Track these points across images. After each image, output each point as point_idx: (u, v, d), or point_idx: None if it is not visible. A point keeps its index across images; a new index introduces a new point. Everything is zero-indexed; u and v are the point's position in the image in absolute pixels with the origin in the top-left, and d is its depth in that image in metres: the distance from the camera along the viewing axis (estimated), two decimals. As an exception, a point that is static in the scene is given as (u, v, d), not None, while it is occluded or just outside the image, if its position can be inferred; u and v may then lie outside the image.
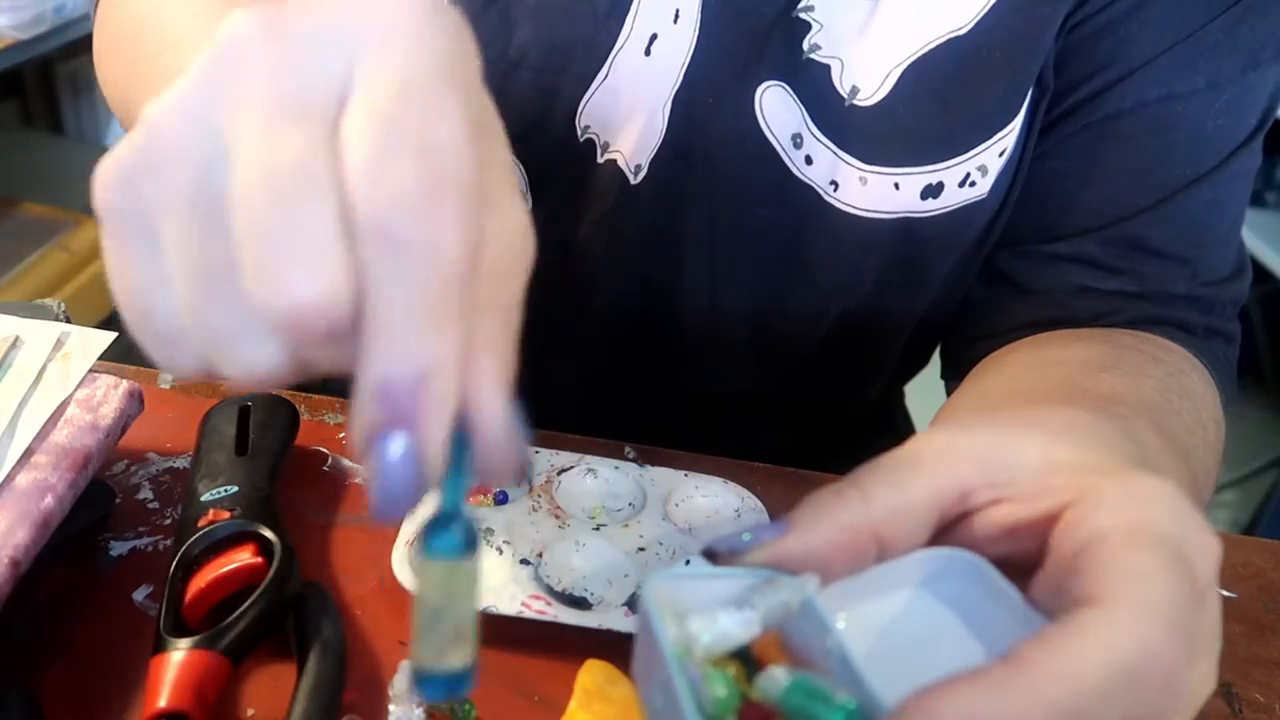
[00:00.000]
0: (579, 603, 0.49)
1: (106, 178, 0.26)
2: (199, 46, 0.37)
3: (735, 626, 0.28)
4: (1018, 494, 0.29)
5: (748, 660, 0.28)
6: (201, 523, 0.48)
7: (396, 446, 0.24)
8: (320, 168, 0.24)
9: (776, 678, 0.26)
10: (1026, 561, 0.29)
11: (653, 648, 0.27)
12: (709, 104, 0.57)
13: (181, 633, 0.43)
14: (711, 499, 0.56)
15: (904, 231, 0.59)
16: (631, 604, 0.48)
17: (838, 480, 0.31)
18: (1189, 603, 0.26)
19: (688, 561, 0.51)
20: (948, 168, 0.57)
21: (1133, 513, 0.27)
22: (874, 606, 0.30)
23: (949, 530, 0.30)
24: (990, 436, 0.31)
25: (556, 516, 0.53)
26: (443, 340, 0.24)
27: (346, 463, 0.58)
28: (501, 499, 0.53)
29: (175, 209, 0.25)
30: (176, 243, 0.25)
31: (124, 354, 0.59)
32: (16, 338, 0.52)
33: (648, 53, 0.56)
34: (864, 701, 0.26)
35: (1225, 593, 0.58)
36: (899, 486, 0.30)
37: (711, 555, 0.31)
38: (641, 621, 0.28)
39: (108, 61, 0.50)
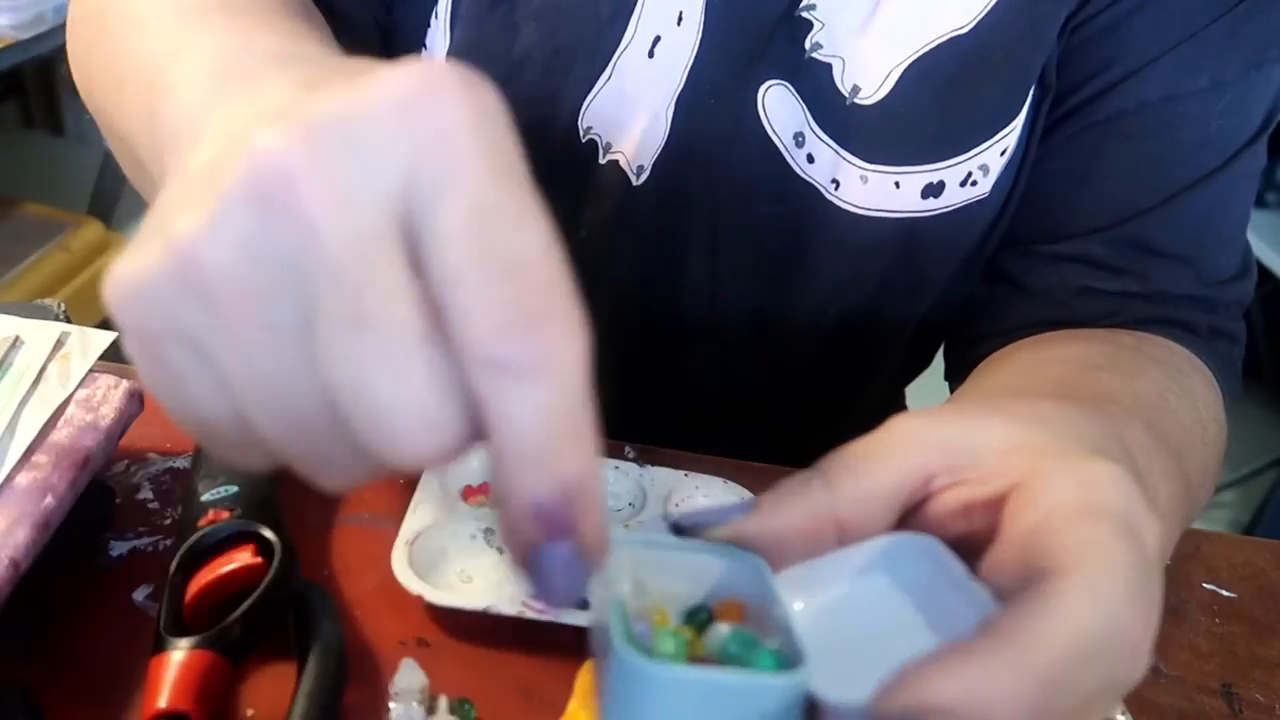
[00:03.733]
0: (579, 603, 0.49)
1: (129, 300, 0.24)
2: (163, 27, 0.36)
3: (684, 586, 0.29)
4: (975, 476, 0.30)
5: (709, 625, 0.29)
6: (201, 523, 0.48)
7: (558, 552, 0.24)
8: (411, 313, 0.22)
9: (720, 631, 0.28)
10: (981, 541, 0.30)
11: (601, 600, 0.28)
12: (711, 104, 0.57)
13: (181, 633, 0.43)
14: (711, 499, 0.56)
15: (905, 231, 0.59)
16: None
17: None
18: (1144, 573, 0.26)
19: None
20: (949, 167, 0.57)
21: (1080, 492, 0.28)
22: (831, 592, 0.31)
23: (911, 513, 0.31)
24: (956, 423, 0.31)
25: (557, 516, 0.53)
26: (581, 451, 0.24)
27: (347, 463, 0.58)
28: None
29: (237, 341, 0.23)
30: (244, 373, 0.23)
31: (124, 354, 0.59)
32: (16, 338, 0.52)
33: (651, 54, 0.56)
34: (791, 649, 0.27)
35: (1225, 592, 0.58)
36: (863, 475, 0.31)
37: (678, 529, 0.32)
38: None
39: (72, 42, 0.48)
